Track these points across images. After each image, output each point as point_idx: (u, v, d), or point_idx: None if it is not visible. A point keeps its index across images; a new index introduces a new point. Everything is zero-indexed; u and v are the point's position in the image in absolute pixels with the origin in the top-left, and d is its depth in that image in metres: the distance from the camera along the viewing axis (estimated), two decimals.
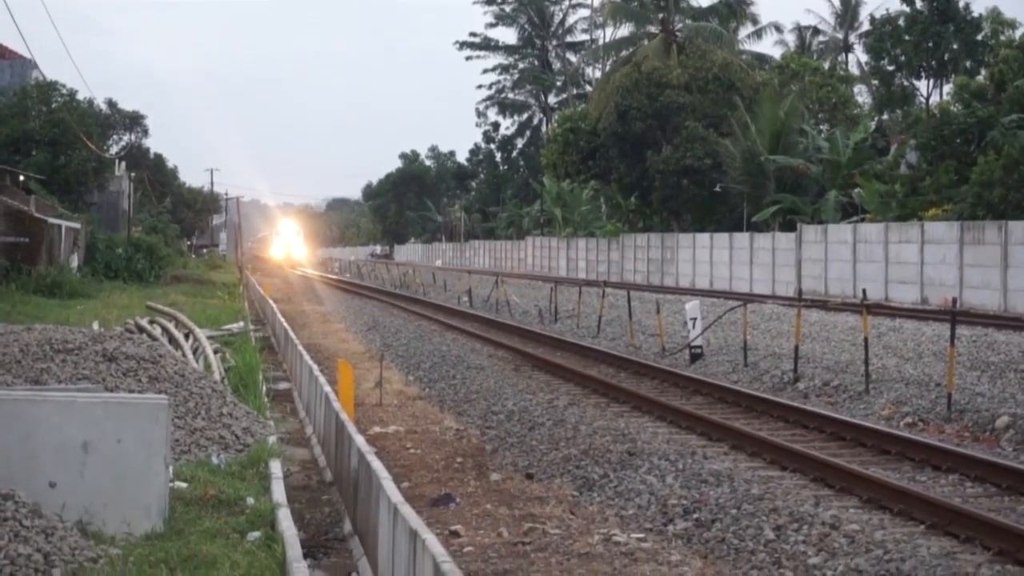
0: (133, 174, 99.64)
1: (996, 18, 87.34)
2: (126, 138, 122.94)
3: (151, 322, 33.49)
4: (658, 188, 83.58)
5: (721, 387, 26.28)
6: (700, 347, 33.35)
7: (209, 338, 32.33)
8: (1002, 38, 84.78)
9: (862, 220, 65.21)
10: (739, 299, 44.34)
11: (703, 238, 75.79)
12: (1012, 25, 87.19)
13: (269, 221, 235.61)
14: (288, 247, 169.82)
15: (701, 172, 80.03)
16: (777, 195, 74.93)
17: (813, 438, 20.75)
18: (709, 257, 73.84)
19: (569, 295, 54.86)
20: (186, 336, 31.53)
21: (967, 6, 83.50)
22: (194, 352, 28.79)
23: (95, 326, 31.90)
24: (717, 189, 79.16)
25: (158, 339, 29.18)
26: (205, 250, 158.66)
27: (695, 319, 33.40)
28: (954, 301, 38.59)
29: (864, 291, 37.92)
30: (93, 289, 57.98)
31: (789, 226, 69.97)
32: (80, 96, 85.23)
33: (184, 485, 14.96)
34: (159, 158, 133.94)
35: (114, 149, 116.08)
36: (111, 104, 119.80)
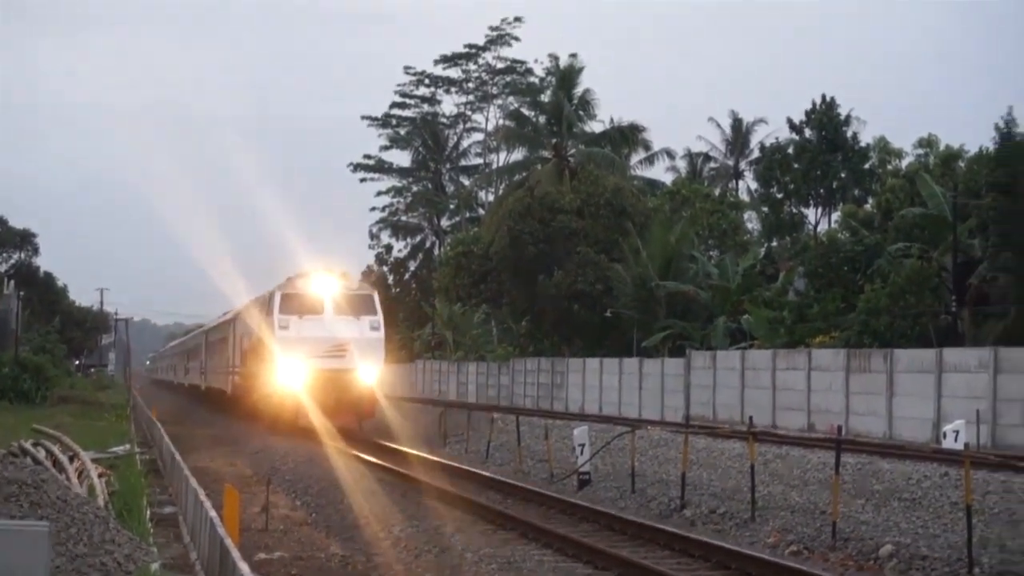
0: (22, 293, 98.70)
1: (883, 147, 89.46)
2: (16, 256, 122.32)
3: (35, 444, 33.04)
4: (549, 312, 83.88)
5: (608, 514, 26.32)
6: (588, 473, 33.42)
7: (94, 461, 31.91)
8: (889, 167, 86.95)
9: (750, 346, 65.74)
10: (628, 425, 44.45)
11: (593, 363, 75.72)
12: (899, 155, 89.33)
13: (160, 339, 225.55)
14: (338, 352, 49.21)
15: (592, 297, 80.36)
16: (667, 320, 75.47)
17: (699, 567, 20.81)
18: (599, 382, 73.75)
19: (459, 419, 54.78)
20: (71, 459, 31.11)
21: (855, 136, 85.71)
22: (79, 475, 28.41)
23: None
24: (608, 314, 79.41)
25: (42, 462, 28.78)
26: (93, 369, 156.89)
27: (583, 445, 33.50)
28: (840, 428, 39.10)
29: (751, 418, 38.14)
30: None
31: (679, 351, 70.27)
32: None
33: None
34: (49, 276, 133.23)
35: (3, 267, 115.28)
36: (1, 222, 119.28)
